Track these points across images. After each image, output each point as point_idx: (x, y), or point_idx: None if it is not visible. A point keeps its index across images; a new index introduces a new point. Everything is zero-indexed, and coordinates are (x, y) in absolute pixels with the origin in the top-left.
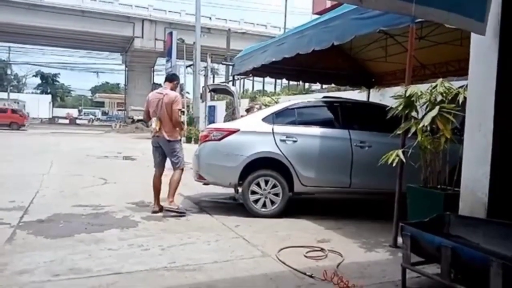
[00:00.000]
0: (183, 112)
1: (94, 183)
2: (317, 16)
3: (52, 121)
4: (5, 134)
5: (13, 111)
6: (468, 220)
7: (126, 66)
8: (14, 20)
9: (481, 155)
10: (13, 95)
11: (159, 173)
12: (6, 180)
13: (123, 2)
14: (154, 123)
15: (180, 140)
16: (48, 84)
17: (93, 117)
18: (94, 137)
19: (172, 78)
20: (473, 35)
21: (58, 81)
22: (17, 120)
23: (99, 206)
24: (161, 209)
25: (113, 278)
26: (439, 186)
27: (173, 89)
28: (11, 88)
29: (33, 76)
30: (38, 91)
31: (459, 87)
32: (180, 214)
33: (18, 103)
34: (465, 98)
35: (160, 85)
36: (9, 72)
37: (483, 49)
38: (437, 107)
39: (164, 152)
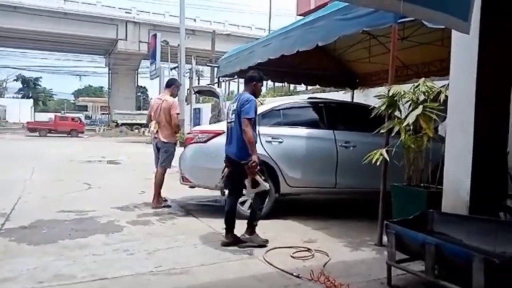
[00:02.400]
0: (178, 114)
1: (78, 188)
2: (301, 17)
3: None
4: None
5: (73, 119)
6: (451, 217)
7: (109, 69)
8: None
9: (463, 153)
10: None
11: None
12: None
13: (106, 4)
14: (152, 126)
15: (175, 143)
16: (30, 88)
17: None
18: (78, 141)
19: (169, 83)
20: (453, 35)
21: (40, 85)
22: (77, 128)
23: (83, 212)
24: (160, 202)
25: (99, 284)
26: (422, 185)
27: (172, 93)
28: None
29: (14, 80)
30: (19, 96)
31: (441, 87)
32: (167, 206)
33: None
34: (446, 97)
35: (145, 89)
36: None
37: (463, 48)
38: (421, 106)
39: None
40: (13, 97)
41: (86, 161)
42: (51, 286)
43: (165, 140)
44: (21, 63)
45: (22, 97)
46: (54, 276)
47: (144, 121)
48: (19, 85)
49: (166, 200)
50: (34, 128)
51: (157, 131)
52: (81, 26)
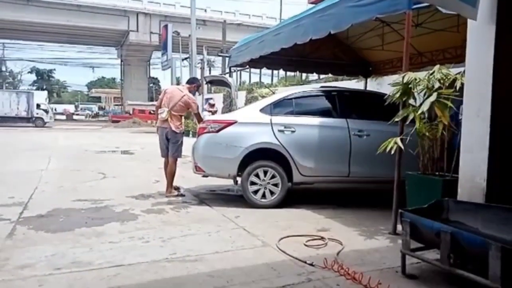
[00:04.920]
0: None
1: (93, 177)
2: (312, 5)
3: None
4: (5, 131)
5: (150, 112)
6: (467, 206)
7: (121, 61)
8: (6, 16)
9: (480, 141)
10: None
11: (168, 161)
12: (4, 177)
13: None
14: (164, 113)
15: (183, 133)
16: (44, 80)
17: (90, 113)
18: (92, 132)
19: (191, 81)
20: (469, 21)
21: (53, 77)
22: (153, 119)
23: (98, 200)
24: (176, 190)
25: (115, 270)
26: (437, 173)
27: (191, 90)
28: (7, 85)
29: (28, 72)
30: (34, 88)
31: (457, 74)
32: (181, 195)
33: None
34: (462, 84)
35: (157, 80)
36: (4, 68)
37: (480, 35)
38: (435, 93)
39: (169, 142)
40: (28, 89)
41: (101, 151)
42: (69, 272)
43: (176, 130)
44: (36, 56)
45: (37, 89)
46: (71, 262)
47: None
48: (33, 77)
49: (179, 189)
50: (117, 120)
51: (166, 120)
52: (93, 18)
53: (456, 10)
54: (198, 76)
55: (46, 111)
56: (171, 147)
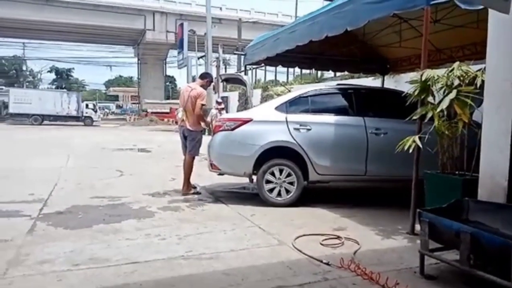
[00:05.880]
0: (204, 105)
1: (111, 175)
2: (328, 2)
3: None
4: (23, 128)
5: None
6: (487, 205)
7: (138, 59)
8: (26, 16)
9: (501, 139)
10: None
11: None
12: (25, 174)
13: None
14: (180, 113)
15: (202, 131)
16: (63, 79)
17: (107, 111)
18: (109, 130)
19: (203, 76)
20: (490, 17)
21: (72, 76)
22: None
23: (116, 198)
24: (189, 188)
25: (132, 267)
26: (457, 172)
27: (203, 85)
28: (27, 84)
29: (48, 71)
30: (53, 86)
31: (477, 71)
32: (197, 192)
33: None
34: (483, 81)
35: (173, 78)
36: (24, 68)
37: (501, 30)
38: (455, 90)
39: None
40: (47, 88)
41: (118, 149)
42: (87, 268)
43: (192, 128)
44: (54, 55)
45: (56, 88)
46: (89, 259)
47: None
48: (52, 76)
49: (195, 187)
50: (161, 118)
51: (183, 120)
52: (110, 17)
53: (484, 4)
54: (214, 75)
55: (95, 111)
56: (188, 144)
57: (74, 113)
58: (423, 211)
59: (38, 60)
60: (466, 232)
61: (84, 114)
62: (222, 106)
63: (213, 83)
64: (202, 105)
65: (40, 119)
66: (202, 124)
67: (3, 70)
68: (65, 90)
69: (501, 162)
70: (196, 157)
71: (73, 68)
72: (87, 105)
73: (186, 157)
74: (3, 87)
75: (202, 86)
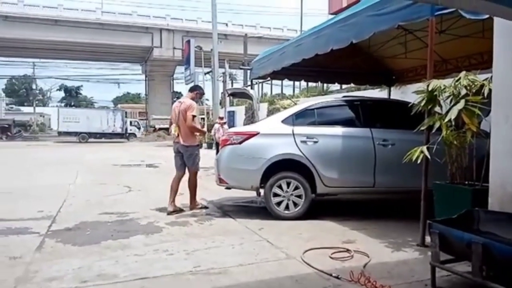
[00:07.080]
0: (195, 117)
1: (119, 191)
2: (333, 16)
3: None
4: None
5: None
6: (499, 216)
7: (146, 76)
8: (36, 36)
9: (509, 148)
10: (39, 109)
11: (178, 176)
12: (34, 191)
13: (141, 13)
14: (173, 130)
15: (198, 145)
16: (72, 96)
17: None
18: (118, 146)
19: (192, 88)
20: (495, 25)
21: (81, 94)
22: None
23: (124, 213)
24: (175, 210)
25: (140, 283)
26: (466, 182)
27: (193, 98)
28: (37, 102)
29: (57, 90)
30: (63, 104)
31: (484, 80)
32: (204, 207)
33: (43, 116)
34: (490, 90)
35: (181, 94)
36: (34, 86)
37: (507, 39)
38: (463, 100)
39: (183, 157)
40: (57, 106)
41: (126, 165)
42: (95, 285)
43: (186, 144)
44: (62, 73)
45: (65, 106)
46: (97, 275)
47: None
48: (62, 94)
49: (183, 210)
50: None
51: (178, 135)
52: (118, 36)
53: (493, 13)
54: (221, 89)
55: (138, 128)
56: (187, 161)
57: (119, 130)
58: (433, 222)
59: (47, 79)
60: (477, 243)
61: (128, 131)
62: (224, 121)
63: (204, 95)
64: (193, 116)
65: (87, 136)
66: (198, 134)
67: (13, 89)
68: (111, 107)
69: (511, 172)
70: (202, 171)
71: (82, 86)
72: (131, 123)
73: (189, 174)
74: (13, 105)
75: (192, 98)
